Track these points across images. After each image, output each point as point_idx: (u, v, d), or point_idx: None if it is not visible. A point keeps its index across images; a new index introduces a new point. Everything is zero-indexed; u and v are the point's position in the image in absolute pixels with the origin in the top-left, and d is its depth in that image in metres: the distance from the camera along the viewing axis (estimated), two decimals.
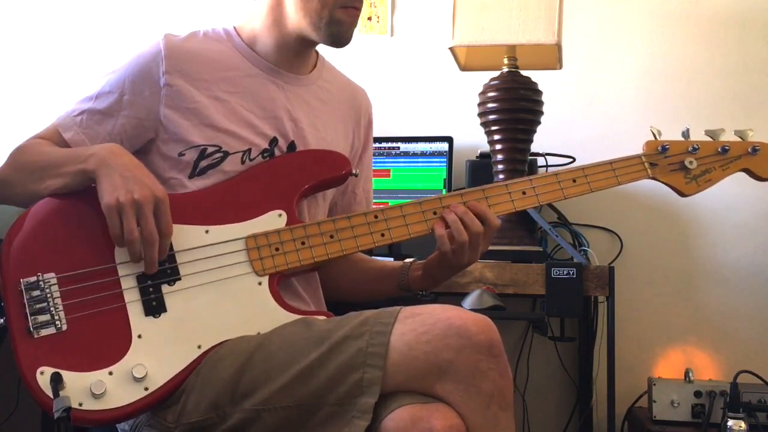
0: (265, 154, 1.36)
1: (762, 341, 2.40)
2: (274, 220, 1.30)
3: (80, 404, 1.13)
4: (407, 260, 1.47)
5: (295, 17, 1.36)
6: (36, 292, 1.19)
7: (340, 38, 1.36)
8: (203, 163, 1.32)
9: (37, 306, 1.18)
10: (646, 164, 1.44)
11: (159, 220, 1.20)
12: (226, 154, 1.33)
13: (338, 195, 1.53)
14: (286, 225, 1.30)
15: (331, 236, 1.31)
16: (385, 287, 1.49)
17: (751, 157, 1.45)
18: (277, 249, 1.28)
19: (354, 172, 1.41)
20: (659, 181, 1.45)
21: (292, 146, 1.39)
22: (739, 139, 1.46)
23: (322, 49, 1.48)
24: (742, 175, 1.49)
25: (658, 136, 1.45)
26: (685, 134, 1.46)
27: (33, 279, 1.19)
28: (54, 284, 1.20)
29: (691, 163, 1.44)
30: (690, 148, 1.44)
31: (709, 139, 1.46)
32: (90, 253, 1.22)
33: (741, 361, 2.25)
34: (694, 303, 2.45)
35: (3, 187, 1.32)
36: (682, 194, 1.46)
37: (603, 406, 2.14)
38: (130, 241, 1.18)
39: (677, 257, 2.47)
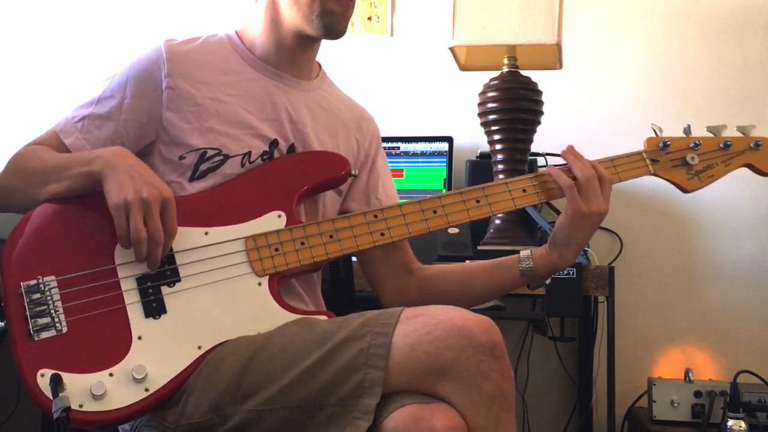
0: (264, 157, 1.35)
1: (762, 341, 2.40)
2: (273, 220, 1.30)
3: (81, 406, 1.12)
4: (523, 250, 1.44)
5: (289, 13, 1.36)
6: (36, 295, 1.18)
7: (333, 29, 1.36)
8: (203, 167, 1.32)
9: (38, 309, 1.17)
10: (647, 160, 1.43)
11: (165, 220, 1.20)
12: (227, 157, 1.33)
13: (363, 207, 1.49)
14: (286, 226, 1.30)
15: (331, 236, 1.30)
16: (503, 279, 1.44)
17: (753, 152, 1.44)
18: (276, 249, 1.28)
19: (353, 172, 1.40)
20: (661, 177, 1.43)
21: (292, 148, 1.38)
22: (741, 135, 1.45)
23: (324, 50, 1.47)
24: (742, 175, 1.48)
25: (659, 133, 1.44)
26: (687, 131, 1.44)
27: (33, 282, 1.19)
28: (54, 287, 1.19)
29: (692, 159, 1.43)
30: (692, 144, 1.43)
31: (710, 135, 1.45)
32: (90, 256, 1.22)
33: (741, 361, 2.25)
34: (694, 303, 2.45)
35: (2, 195, 1.31)
36: (684, 190, 1.45)
37: (603, 406, 2.14)
38: (137, 240, 1.17)
39: (677, 257, 2.47)
